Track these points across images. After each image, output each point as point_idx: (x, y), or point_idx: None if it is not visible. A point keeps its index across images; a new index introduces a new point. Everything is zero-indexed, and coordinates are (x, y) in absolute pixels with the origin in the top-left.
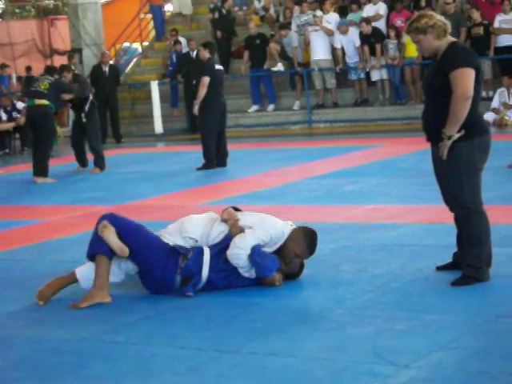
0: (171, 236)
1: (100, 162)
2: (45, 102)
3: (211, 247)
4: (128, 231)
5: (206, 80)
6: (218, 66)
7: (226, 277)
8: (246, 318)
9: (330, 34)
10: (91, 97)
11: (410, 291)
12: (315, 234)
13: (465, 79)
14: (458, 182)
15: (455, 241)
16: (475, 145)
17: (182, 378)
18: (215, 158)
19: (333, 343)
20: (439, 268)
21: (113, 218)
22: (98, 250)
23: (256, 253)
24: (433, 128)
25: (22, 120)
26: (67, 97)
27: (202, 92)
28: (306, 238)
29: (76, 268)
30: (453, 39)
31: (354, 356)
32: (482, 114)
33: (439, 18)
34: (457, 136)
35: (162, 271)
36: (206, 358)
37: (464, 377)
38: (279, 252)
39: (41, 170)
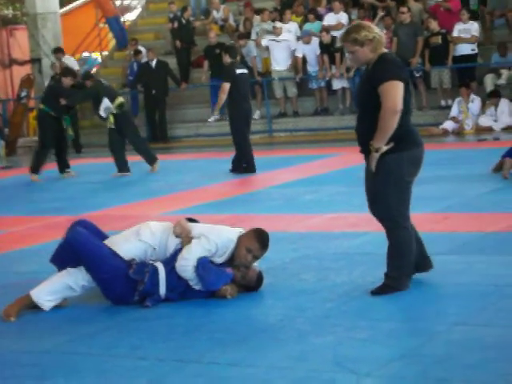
0: (127, 242)
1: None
2: (40, 105)
3: (165, 262)
4: (88, 249)
5: (226, 86)
6: (241, 70)
7: (180, 293)
8: (206, 329)
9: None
10: (116, 102)
11: (370, 300)
12: (265, 231)
13: (393, 92)
14: (384, 194)
15: None
16: (404, 158)
17: None
18: (253, 160)
19: (294, 352)
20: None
21: (79, 229)
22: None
23: (201, 266)
24: (364, 140)
25: None
26: (63, 102)
27: (222, 98)
28: (256, 233)
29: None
30: (384, 51)
31: (315, 365)
32: (414, 127)
33: (377, 30)
34: (385, 149)
35: (118, 295)
36: (167, 368)
37: None
38: (233, 259)
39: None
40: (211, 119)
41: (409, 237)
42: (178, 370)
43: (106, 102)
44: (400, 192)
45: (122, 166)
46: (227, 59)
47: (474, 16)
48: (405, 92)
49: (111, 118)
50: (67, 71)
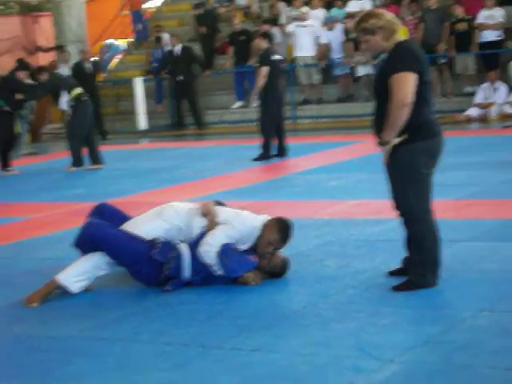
0: (149, 222)
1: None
2: None
3: (191, 246)
4: (105, 240)
5: (264, 70)
6: (276, 56)
7: (203, 278)
8: (230, 314)
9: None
10: (72, 94)
11: None
12: (288, 222)
13: (403, 85)
14: (401, 187)
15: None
16: (418, 149)
17: (167, 374)
18: (271, 149)
19: (316, 338)
20: (392, 273)
21: (93, 221)
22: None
23: (223, 252)
24: (378, 132)
25: None
26: (19, 96)
27: (261, 82)
28: (278, 225)
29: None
30: (400, 39)
31: (338, 351)
32: (433, 117)
33: (388, 18)
34: (396, 141)
35: (146, 276)
36: (191, 353)
37: (448, 371)
38: (256, 247)
39: None
40: (235, 106)
41: (429, 231)
42: (202, 355)
43: (66, 95)
44: (417, 184)
45: (77, 160)
46: (264, 44)
47: (505, 0)
48: (422, 83)
49: (69, 111)
50: (23, 64)
